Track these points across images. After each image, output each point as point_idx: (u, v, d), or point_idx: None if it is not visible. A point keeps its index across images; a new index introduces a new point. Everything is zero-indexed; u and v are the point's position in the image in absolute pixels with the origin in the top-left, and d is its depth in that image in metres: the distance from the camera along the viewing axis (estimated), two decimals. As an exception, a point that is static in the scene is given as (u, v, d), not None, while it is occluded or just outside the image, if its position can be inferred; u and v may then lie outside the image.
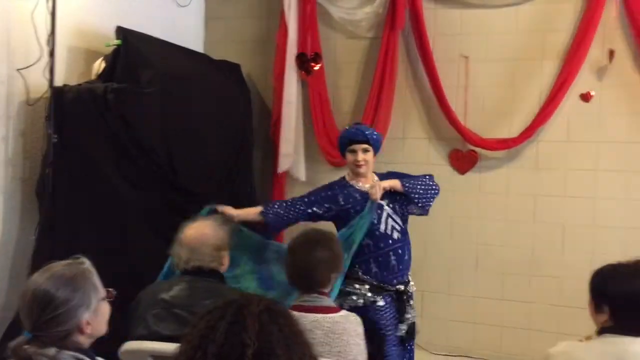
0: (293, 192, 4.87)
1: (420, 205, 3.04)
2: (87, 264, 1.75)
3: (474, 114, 4.39)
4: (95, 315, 1.69)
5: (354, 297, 2.94)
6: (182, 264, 2.35)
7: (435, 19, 4.45)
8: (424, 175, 3.13)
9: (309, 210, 3.03)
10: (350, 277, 2.93)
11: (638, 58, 4.04)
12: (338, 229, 3.01)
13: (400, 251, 3.02)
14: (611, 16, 4.02)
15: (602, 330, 2.00)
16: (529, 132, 4.23)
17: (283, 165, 4.69)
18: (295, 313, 2.06)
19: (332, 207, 3.03)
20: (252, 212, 3.04)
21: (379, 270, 2.97)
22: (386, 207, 3.01)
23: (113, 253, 3.21)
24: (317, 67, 4.64)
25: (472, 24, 4.40)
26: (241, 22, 5.02)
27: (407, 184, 3.03)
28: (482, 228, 4.42)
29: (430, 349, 4.38)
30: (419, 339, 3.25)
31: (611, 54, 4.05)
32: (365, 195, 2.98)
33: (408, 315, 3.03)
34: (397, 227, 3.02)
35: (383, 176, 3.12)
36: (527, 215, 4.32)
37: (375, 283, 2.97)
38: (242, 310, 1.14)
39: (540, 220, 4.30)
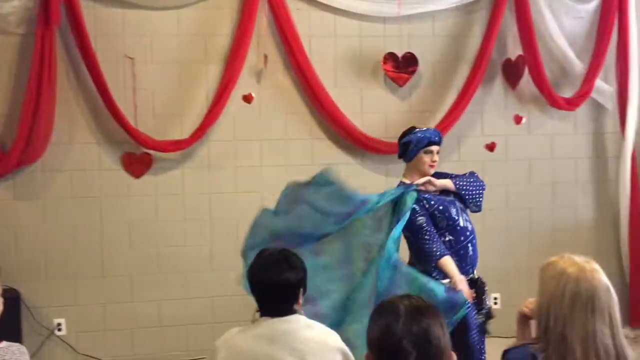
0: None
1: (471, 202, 3.26)
2: None
3: (144, 116, 4.32)
4: None
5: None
6: None
7: (95, 17, 4.23)
8: (470, 173, 3.34)
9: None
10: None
11: (287, 63, 4.50)
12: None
13: (474, 241, 3.24)
14: (263, 24, 4.41)
15: (260, 314, 2.18)
16: (200, 132, 4.35)
17: None
18: None
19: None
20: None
21: (459, 262, 3.12)
22: (457, 203, 3.22)
23: None
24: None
25: (135, 24, 4.31)
26: None
27: (457, 183, 3.23)
28: (163, 230, 4.40)
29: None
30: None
31: (265, 58, 4.44)
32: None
33: (487, 302, 3.26)
34: (468, 218, 3.25)
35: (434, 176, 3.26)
36: (204, 213, 4.46)
37: None
38: None
39: (217, 217, 4.47)
